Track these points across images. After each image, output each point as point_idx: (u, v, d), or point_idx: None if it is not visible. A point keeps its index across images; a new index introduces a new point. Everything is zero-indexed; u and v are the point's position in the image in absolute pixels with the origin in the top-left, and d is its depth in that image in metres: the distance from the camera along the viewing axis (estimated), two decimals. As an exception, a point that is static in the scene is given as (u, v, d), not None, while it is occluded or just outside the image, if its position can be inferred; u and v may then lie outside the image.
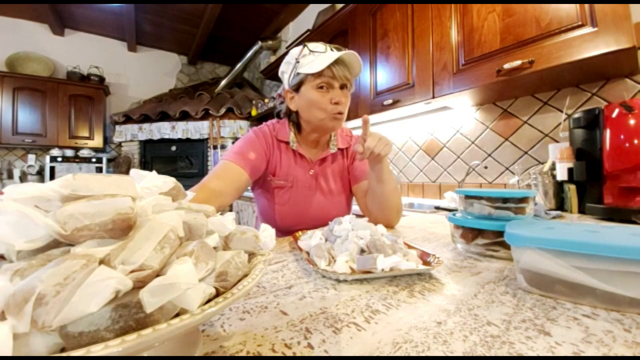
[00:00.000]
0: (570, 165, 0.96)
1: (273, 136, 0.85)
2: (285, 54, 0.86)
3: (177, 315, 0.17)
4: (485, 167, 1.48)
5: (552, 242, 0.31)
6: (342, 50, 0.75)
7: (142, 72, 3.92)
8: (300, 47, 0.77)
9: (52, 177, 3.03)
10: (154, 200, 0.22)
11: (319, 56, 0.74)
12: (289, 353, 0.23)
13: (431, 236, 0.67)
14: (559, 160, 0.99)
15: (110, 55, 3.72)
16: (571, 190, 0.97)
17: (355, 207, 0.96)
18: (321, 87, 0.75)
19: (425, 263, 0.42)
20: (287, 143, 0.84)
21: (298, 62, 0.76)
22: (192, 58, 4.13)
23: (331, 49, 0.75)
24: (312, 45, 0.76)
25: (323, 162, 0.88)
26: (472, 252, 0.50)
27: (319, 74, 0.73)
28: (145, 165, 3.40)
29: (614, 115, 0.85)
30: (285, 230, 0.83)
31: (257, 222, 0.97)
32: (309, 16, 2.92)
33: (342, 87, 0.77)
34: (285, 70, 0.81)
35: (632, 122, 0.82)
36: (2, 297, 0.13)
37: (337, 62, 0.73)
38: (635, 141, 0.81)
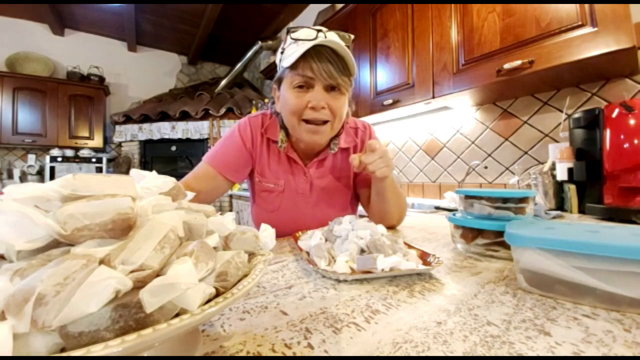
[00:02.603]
0: (570, 165, 0.96)
1: (262, 135, 0.75)
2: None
3: (177, 315, 0.17)
4: (485, 167, 1.48)
5: (552, 242, 0.31)
6: (337, 41, 0.58)
7: (142, 72, 3.92)
8: (285, 33, 0.63)
9: (52, 177, 3.03)
10: (154, 200, 0.22)
11: (302, 45, 0.57)
12: (289, 353, 0.23)
13: (431, 236, 0.67)
14: (559, 160, 0.99)
15: (110, 55, 3.72)
16: (571, 190, 0.97)
17: (359, 207, 0.92)
18: (300, 87, 0.61)
19: (425, 263, 0.42)
20: (277, 142, 0.74)
21: (283, 52, 0.63)
22: (192, 58, 4.13)
23: (324, 37, 0.58)
24: (296, 33, 0.59)
25: (321, 165, 0.77)
26: (472, 252, 0.50)
27: (294, 68, 0.58)
28: (145, 165, 3.40)
29: (614, 115, 0.85)
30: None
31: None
32: (309, 16, 2.92)
33: (331, 88, 0.61)
34: (277, 61, 0.70)
35: (632, 122, 0.82)
36: (2, 297, 0.13)
37: (323, 54, 0.57)
38: (635, 141, 0.81)
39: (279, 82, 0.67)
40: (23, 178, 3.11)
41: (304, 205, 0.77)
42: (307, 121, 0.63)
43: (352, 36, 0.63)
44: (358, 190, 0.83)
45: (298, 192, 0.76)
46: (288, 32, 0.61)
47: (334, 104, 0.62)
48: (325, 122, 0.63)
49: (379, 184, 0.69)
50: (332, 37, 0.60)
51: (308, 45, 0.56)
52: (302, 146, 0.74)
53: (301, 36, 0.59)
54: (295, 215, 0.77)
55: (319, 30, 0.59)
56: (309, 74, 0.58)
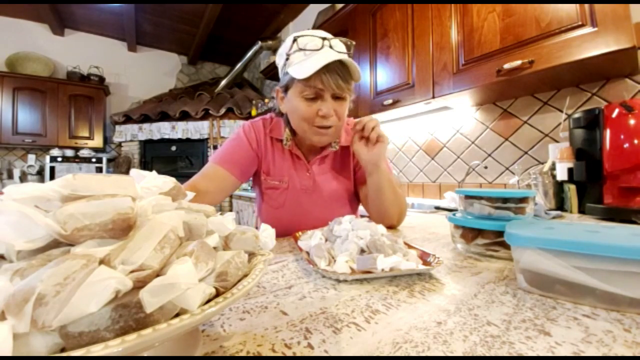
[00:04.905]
0: (570, 165, 0.96)
1: (266, 133, 0.78)
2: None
3: (177, 315, 0.17)
4: (485, 167, 1.48)
5: (552, 242, 0.31)
6: (340, 51, 0.63)
7: (142, 72, 3.92)
8: (291, 40, 0.65)
9: (52, 177, 3.03)
10: (154, 200, 0.22)
11: (310, 56, 0.61)
12: (289, 353, 0.23)
13: (431, 236, 0.67)
14: (559, 160, 0.99)
15: (110, 55, 3.72)
16: (571, 190, 0.97)
17: (361, 207, 0.92)
18: (309, 98, 0.65)
19: (425, 263, 0.42)
20: (281, 141, 0.78)
21: (288, 58, 0.66)
22: (192, 58, 4.13)
23: (330, 46, 0.62)
24: (302, 41, 0.63)
25: (323, 162, 0.81)
26: (472, 252, 0.50)
27: (306, 81, 0.62)
28: (145, 165, 3.40)
29: (614, 115, 0.85)
30: (287, 234, 0.76)
31: (257, 222, 0.95)
32: (309, 16, 2.92)
33: (337, 96, 0.66)
34: (278, 63, 0.72)
35: (632, 122, 0.82)
36: (2, 297, 0.13)
37: (331, 66, 0.61)
38: (635, 141, 0.81)
39: (286, 87, 0.70)
40: (23, 178, 3.11)
41: (307, 201, 0.79)
42: (316, 126, 0.68)
43: (354, 42, 0.68)
44: (358, 188, 0.85)
45: (302, 189, 0.79)
46: (295, 40, 0.64)
47: (340, 110, 0.68)
48: (330, 126, 0.69)
49: (374, 177, 0.72)
50: (336, 45, 0.63)
51: (318, 61, 0.60)
52: (307, 143, 0.77)
53: (308, 46, 0.62)
54: (299, 211, 0.79)
55: (324, 39, 0.63)
56: (320, 85, 0.63)
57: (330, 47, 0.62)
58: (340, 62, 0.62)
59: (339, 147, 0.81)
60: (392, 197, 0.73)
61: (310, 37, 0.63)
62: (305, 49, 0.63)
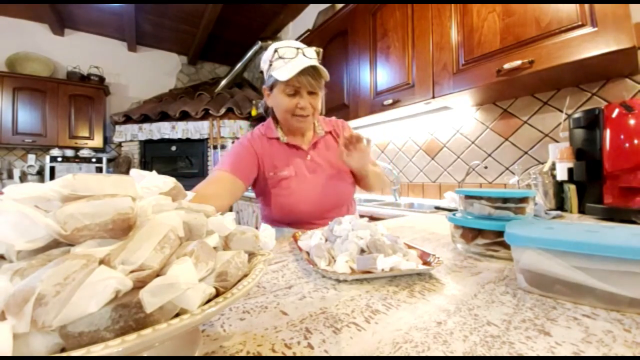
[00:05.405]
0: (570, 165, 0.96)
1: (263, 136, 0.90)
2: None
3: (177, 315, 0.17)
4: (485, 167, 1.48)
5: (552, 242, 0.31)
6: (311, 57, 0.79)
7: (142, 72, 3.92)
8: (272, 50, 0.80)
9: (52, 177, 3.03)
10: (154, 200, 0.22)
11: (288, 62, 0.77)
12: (289, 353, 0.23)
13: (431, 236, 0.67)
14: (559, 160, 0.99)
15: (110, 55, 3.72)
16: (571, 190, 0.97)
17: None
18: (289, 94, 0.81)
19: (425, 263, 0.42)
20: (278, 139, 0.89)
21: (271, 64, 0.81)
22: (192, 58, 4.12)
23: (303, 54, 0.78)
24: (281, 51, 0.79)
25: (316, 146, 0.93)
26: (472, 252, 0.50)
27: (286, 82, 0.77)
28: (145, 165, 3.39)
29: (614, 115, 0.85)
30: (305, 221, 0.87)
31: (257, 222, 0.98)
32: (309, 16, 2.92)
33: (311, 92, 0.81)
34: (263, 68, 0.87)
35: (632, 122, 0.82)
36: (2, 297, 0.13)
37: (305, 70, 0.76)
38: (635, 141, 0.81)
39: (271, 87, 0.85)
40: (23, 178, 3.10)
41: (313, 180, 0.89)
42: (296, 115, 0.84)
43: (321, 49, 0.84)
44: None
45: (307, 171, 0.89)
46: (275, 50, 0.79)
47: (314, 102, 0.83)
48: (307, 115, 0.84)
49: (362, 176, 0.91)
50: (307, 52, 0.79)
51: (295, 66, 0.75)
52: (297, 133, 0.91)
53: (286, 55, 0.78)
54: (309, 192, 0.88)
55: (297, 48, 0.79)
56: (297, 84, 0.79)
57: (303, 54, 0.79)
58: (312, 66, 0.77)
59: (325, 133, 0.97)
60: (376, 179, 0.94)
61: (287, 48, 0.79)
62: (284, 57, 0.78)
